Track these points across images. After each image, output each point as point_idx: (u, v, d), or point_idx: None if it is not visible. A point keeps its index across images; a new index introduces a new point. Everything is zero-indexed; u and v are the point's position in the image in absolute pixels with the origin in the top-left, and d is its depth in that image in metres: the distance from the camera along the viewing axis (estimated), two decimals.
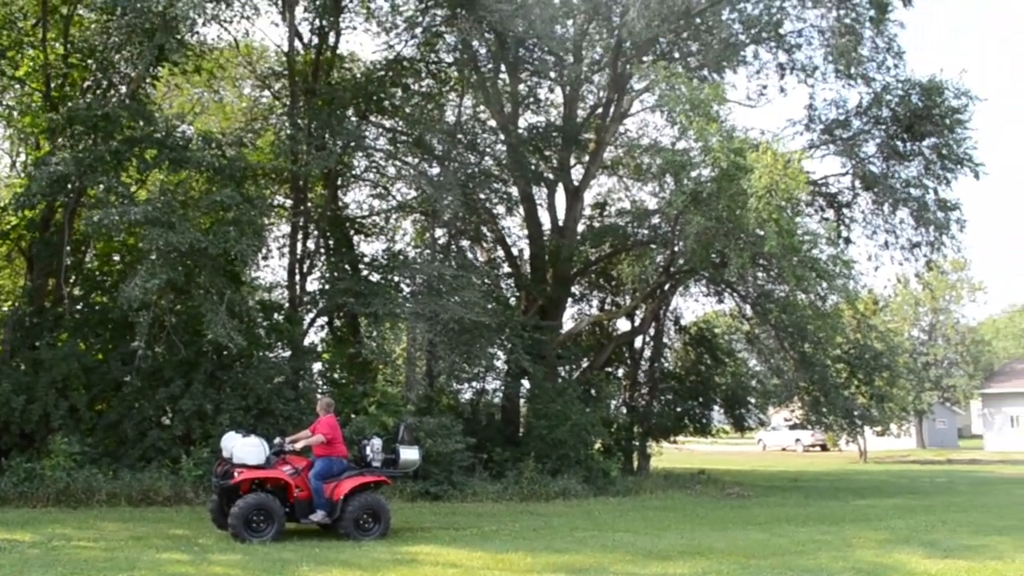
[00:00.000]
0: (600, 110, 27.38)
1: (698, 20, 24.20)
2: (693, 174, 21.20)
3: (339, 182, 24.89)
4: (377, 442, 14.82)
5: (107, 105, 18.53)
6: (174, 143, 19.61)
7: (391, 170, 25.36)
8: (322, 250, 24.71)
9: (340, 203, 25.63)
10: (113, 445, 19.40)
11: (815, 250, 21.86)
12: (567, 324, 28.95)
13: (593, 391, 27.61)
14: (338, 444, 14.24)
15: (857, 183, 27.45)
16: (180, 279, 18.14)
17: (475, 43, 22.35)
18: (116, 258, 22.05)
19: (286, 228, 24.75)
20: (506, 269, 28.75)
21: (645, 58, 24.32)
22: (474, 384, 27.10)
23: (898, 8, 24.02)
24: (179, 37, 18.03)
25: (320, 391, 23.07)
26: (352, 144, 22.71)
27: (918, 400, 54.30)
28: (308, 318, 24.17)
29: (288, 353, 22.48)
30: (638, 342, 31.70)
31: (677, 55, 25.57)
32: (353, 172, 25.35)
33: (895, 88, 25.61)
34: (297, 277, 23.83)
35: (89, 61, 19.63)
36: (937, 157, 25.79)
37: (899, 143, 26.07)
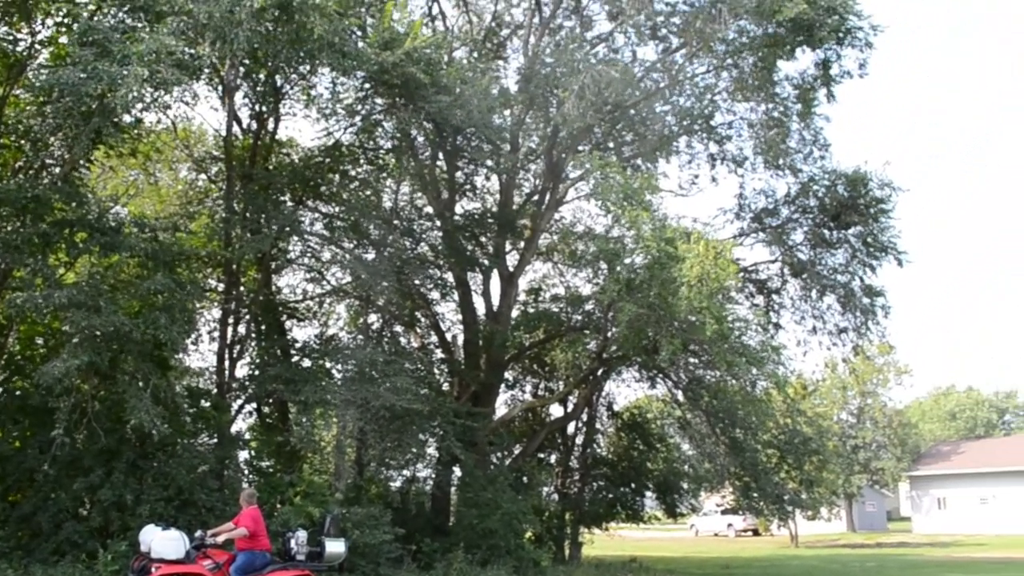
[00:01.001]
0: (536, 197, 27.81)
1: (632, 112, 24.90)
2: (626, 261, 21.54)
3: (273, 266, 24.67)
4: (302, 534, 14.54)
5: (38, 187, 18.20)
6: (106, 226, 19.24)
7: (326, 255, 25.23)
8: (253, 335, 24.32)
9: (273, 287, 25.38)
10: (26, 538, 18.52)
11: (745, 336, 22.29)
12: (500, 410, 28.89)
13: (525, 478, 27.46)
14: (261, 537, 13.89)
15: (786, 270, 28.22)
16: (104, 364, 17.66)
17: (413, 131, 22.55)
18: (40, 342, 21.42)
19: (217, 312, 24.32)
20: (439, 355, 28.60)
21: (580, 147, 24.85)
22: (404, 472, 26.79)
23: (823, 103, 25.04)
24: (116, 121, 17.89)
25: (246, 481, 22.51)
26: (287, 229, 22.58)
27: (847, 483, 55.02)
28: (236, 405, 23.68)
29: (214, 441, 21.91)
30: (571, 428, 31.77)
31: (612, 145, 26.25)
32: (288, 256, 25.15)
33: (822, 179, 26.56)
34: (226, 362, 23.33)
35: (23, 142, 19.33)
36: (862, 245, 26.68)
37: (826, 231, 26.94)
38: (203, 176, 24.90)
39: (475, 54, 26.42)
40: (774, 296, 28.76)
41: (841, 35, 22.81)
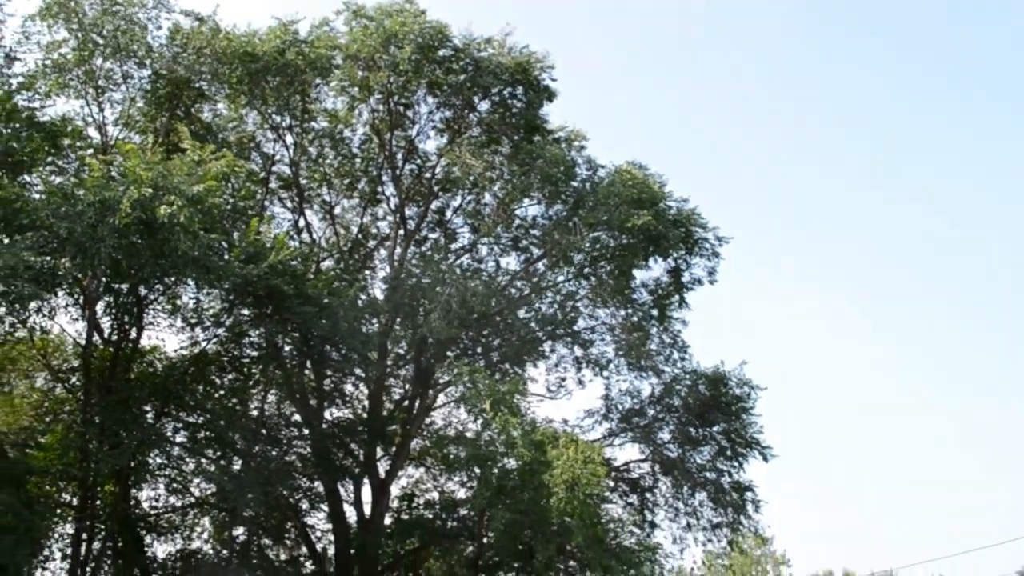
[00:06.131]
0: (406, 403, 27.80)
1: (497, 319, 25.64)
2: (499, 466, 21.52)
3: (132, 479, 23.76)
4: None
5: None
6: None
7: (190, 465, 24.50)
8: (109, 552, 23.22)
9: (132, 501, 24.35)
10: None
11: (620, 537, 22.28)
12: None
13: None
14: None
15: (656, 468, 28.46)
16: None
17: (280, 340, 22.64)
18: None
19: (71, 528, 23.12)
20: (310, 568, 27.53)
21: (449, 353, 25.23)
22: None
23: (678, 308, 26.26)
24: None
25: None
26: (148, 441, 22.01)
27: None
28: None
29: None
30: None
31: (479, 350, 26.71)
32: (148, 469, 24.30)
33: (683, 379, 27.31)
34: None
35: None
36: (728, 441, 27.23)
37: (692, 429, 27.45)
38: (60, 386, 24.22)
39: (342, 264, 27.08)
40: (647, 494, 28.85)
41: (689, 245, 24.31)
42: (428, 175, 27.99)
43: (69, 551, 22.55)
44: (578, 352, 27.99)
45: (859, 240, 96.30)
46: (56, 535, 23.08)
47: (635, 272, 25.42)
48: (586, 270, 25.65)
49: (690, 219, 24.17)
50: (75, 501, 23.02)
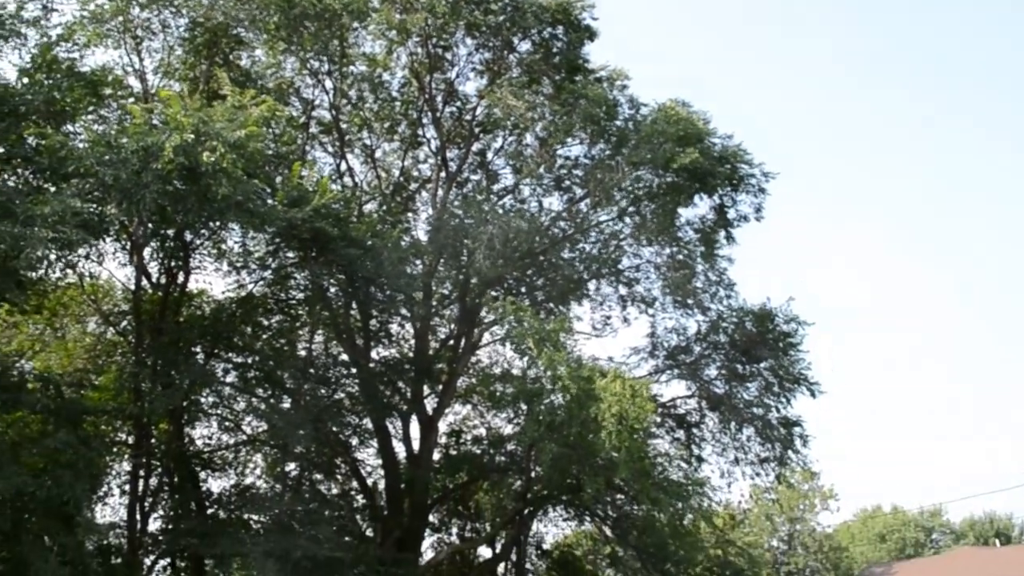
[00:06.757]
0: (452, 342, 28.04)
1: (541, 258, 25.58)
2: (545, 402, 21.63)
3: (185, 418, 24.35)
4: None
5: None
6: (8, 383, 19.06)
7: (241, 404, 25.00)
8: (166, 488, 23.89)
9: (186, 439, 24.98)
10: None
11: (668, 471, 22.40)
12: (427, 554, 28.39)
13: None
14: None
15: (703, 404, 28.52)
16: (6, 525, 17.18)
17: (325, 282, 22.82)
18: None
19: (128, 466, 23.82)
20: (361, 501, 28.17)
21: (493, 292, 25.26)
22: None
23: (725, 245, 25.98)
24: (20, 280, 17.83)
25: None
26: (199, 381, 22.45)
27: None
28: (149, 561, 22.98)
29: None
30: (501, 569, 31.20)
31: (524, 290, 26.79)
32: (200, 408, 24.87)
33: (730, 316, 27.16)
34: (138, 517, 22.78)
35: None
36: (775, 378, 27.13)
37: (738, 366, 27.39)
38: (112, 330, 24.74)
39: (384, 207, 27.13)
40: (694, 430, 28.98)
41: (735, 182, 23.91)
42: (469, 117, 27.84)
43: (127, 487, 23.30)
44: (623, 291, 27.97)
45: (910, 172, 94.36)
46: (114, 472, 23.88)
47: (680, 210, 25.17)
48: (630, 209, 25.45)
49: (735, 155, 23.74)
50: (131, 440, 23.63)
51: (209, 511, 23.34)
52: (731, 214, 24.91)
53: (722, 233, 25.37)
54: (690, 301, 26.74)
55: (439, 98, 27.39)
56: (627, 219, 26.04)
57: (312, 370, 24.98)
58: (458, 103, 27.89)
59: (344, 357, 26.52)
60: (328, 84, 26.37)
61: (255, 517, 23.09)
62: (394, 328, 27.66)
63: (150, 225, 20.53)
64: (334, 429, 25.71)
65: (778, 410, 27.47)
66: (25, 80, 18.77)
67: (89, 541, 22.04)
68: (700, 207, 25.38)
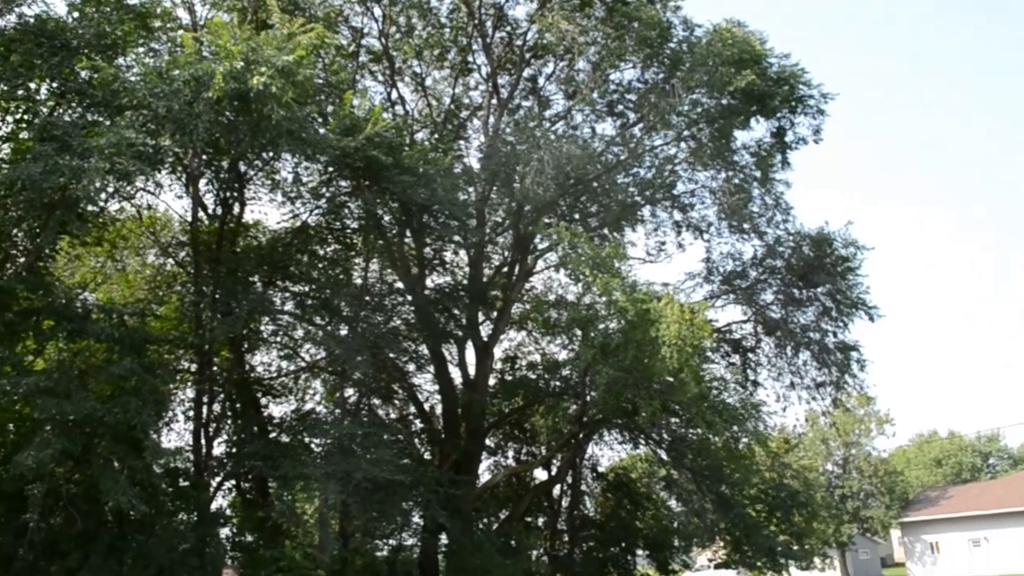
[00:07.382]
0: (505, 269, 28.10)
1: (594, 184, 25.28)
2: (600, 327, 21.59)
3: (245, 346, 24.78)
4: None
5: (3, 278, 18.34)
6: (73, 314, 19.41)
7: (299, 332, 25.35)
8: (229, 413, 24.38)
9: (247, 366, 25.46)
10: None
11: (724, 395, 22.35)
12: (484, 476, 28.92)
13: (513, 543, 27.29)
14: None
15: (759, 329, 28.34)
16: (77, 449, 17.67)
17: (379, 210, 22.85)
18: (11, 427, 21.37)
19: (191, 393, 24.37)
20: (419, 425, 28.62)
21: (547, 219, 25.12)
22: (390, 542, 26.63)
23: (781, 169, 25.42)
24: (80, 212, 18.08)
25: (228, 558, 22.37)
26: (258, 309, 22.72)
27: (838, 533, 54.73)
28: (215, 482, 23.61)
29: (194, 520, 21.82)
30: (556, 491, 31.70)
31: (577, 216, 26.61)
32: (260, 336, 25.26)
33: (787, 240, 26.84)
34: (203, 441, 23.36)
35: None
36: (832, 302, 26.89)
37: (795, 291, 27.13)
38: (171, 261, 25.11)
39: (436, 135, 26.95)
40: (750, 355, 28.86)
41: (793, 104, 23.29)
42: (519, 42, 27.47)
43: (191, 413, 23.87)
44: (677, 216, 27.77)
45: (972, 94, 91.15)
46: (179, 399, 24.50)
47: (736, 133, 24.66)
48: (685, 133, 24.97)
49: (793, 76, 23.07)
50: (193, 367, 24.13)
51: (271, 435, 23.79)
52: (788, 137, 24.32)
53: (778, 157, 24.80)
54: (746, 226, 26.43)
55: (489, 23, 27.00)
56: (682, 144, 25.62)
57: (368, 298, 25.15)
58: (508, 28, 27.48)
59: (399, 285, 26.70)
60: (377, 12, 26.09)
61: (316, 441, 23.44)
62: (448, 255, 27.81)
63: (204, 156, 20.63)
64: (391, 355, 25.98)
65: (835, 335, 27.29)
66: (75, 14, 18.75)
67: (157, 464, 22.76)
68: (756, 130, 24.85)
